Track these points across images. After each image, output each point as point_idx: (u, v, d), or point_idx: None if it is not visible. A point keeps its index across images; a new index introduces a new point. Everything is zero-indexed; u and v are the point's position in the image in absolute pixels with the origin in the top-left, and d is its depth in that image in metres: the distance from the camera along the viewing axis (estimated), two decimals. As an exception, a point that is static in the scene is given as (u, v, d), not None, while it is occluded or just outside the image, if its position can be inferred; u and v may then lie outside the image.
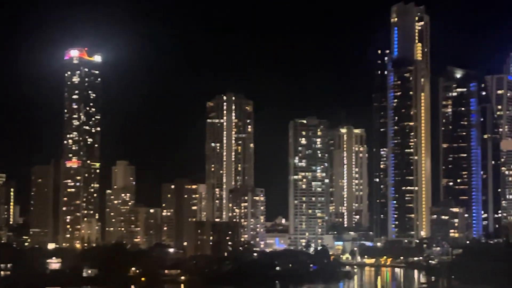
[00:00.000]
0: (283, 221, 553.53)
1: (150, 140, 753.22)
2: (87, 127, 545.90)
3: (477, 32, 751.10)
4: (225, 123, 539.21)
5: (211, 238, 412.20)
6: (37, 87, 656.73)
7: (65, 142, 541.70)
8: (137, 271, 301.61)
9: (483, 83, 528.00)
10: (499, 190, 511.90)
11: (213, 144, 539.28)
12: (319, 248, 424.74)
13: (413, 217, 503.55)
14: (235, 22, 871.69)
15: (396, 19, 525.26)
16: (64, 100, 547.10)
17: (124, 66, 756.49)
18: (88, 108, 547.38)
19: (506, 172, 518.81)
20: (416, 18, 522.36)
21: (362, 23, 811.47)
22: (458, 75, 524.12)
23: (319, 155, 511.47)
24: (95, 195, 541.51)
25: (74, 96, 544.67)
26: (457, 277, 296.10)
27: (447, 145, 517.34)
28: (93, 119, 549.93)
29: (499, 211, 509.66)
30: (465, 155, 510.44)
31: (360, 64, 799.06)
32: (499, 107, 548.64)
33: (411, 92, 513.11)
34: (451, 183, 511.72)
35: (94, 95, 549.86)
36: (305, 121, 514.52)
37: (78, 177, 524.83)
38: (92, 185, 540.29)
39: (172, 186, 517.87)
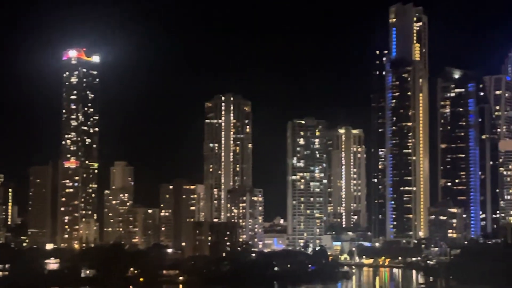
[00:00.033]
0: (281, 221, 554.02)
1: (149, 141, 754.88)
2: (85, 128, 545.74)
3: (475, 32, 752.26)
4: (223, 124, 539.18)
5: (209, 238, 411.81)
6: (35, 88, 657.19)
7: (63, 142, 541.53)
8: (135, 271, 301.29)
9: (481, 84, 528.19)
10: (497, 190, 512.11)
11: (211, 145, 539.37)
12: (317, 248, 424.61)
13: (411, 218, 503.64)
14: (233, 23, 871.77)
15: (394, 19, 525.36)
16: (62, 100, 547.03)
17: (122, 67, 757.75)
18: (86, 109, 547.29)
19: (504, 173, 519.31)
20: (414, 18, 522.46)
21: (360, 24, 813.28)
22: (456, 75, 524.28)
23: (317, 155, 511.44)
24: (93, 195, 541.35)
25: (72, 97, 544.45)
26: (455, 278, 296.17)
27: (445, 145, 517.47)
28: (91, 119, 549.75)
29: (497, 212, 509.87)
30: (463, 155, 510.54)
31: (358, 65, 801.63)
32: (497, 107, 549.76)
33: (409, 93, 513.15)
34: (449, 184, 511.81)
35: (92, 95, 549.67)
36: (303, 122, 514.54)
37: (76, 178, 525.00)
38: (90, 185, 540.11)
39: (170, 187, 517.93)
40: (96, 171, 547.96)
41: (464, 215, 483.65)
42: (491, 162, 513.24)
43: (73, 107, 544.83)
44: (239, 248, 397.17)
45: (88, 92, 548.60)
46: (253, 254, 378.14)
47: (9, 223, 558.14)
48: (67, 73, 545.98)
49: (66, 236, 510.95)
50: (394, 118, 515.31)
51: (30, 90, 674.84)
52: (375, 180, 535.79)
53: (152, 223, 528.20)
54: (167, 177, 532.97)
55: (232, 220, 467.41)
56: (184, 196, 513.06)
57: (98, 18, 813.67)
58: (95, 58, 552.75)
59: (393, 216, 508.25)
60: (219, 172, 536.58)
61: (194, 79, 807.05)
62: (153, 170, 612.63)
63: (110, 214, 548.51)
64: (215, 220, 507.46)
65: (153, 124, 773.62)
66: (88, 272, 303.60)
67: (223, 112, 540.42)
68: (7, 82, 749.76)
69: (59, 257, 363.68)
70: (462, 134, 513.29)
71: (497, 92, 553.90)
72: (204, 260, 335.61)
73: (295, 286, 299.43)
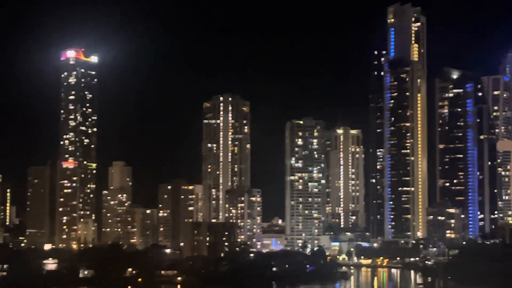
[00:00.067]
0: (280, 221, 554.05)
1: (147, 141, 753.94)
2: (83, 128, 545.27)
3: (474, 33, 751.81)
4: (221, 124, 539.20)
5: (207, 238, 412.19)
6: (33, 88, 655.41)
7: (62, 142, 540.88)
8: (134, 271, 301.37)
9: (479, 84, 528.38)
10: (496, 190, 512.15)
11: (209, 145, 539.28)
12: (315, 248, 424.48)
13: (410, 218, 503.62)
14: (231, 23, 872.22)
15: (392, 20, 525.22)
16: (60, 100, 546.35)
17: (120, 67, 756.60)
18: (84, 109, 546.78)
19: (503, 173, 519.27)
20: (413, 19, 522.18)
21: (358, 24, 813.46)
22: (455, 76, 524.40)
23: (316, 155, 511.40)
24: (91, 195, 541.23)
25: (71, 97, 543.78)
26: (453, 278, 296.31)
27: (444, 145, 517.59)
28: (89, 119, 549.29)
29: (496, 212, 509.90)
30: (461, 155, 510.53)
31: (357, 65, 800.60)
32: (496, 107, 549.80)
33: (407, 93, 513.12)
34: (447, 184, 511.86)
35: (90, 95, 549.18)
36: (301, 122, 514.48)
37: (75, 178, 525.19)
38: (88, 185, 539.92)
39: (169, 187, 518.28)
40: (94, 171, 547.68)
41: (462, 216, 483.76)
42: (489, 163, 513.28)
43: (71, 107, 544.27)
44: (237, 249, 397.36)
45: (86, 92, 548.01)
46: (252, 255, 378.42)
47: (7, 223, 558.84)
48: (65, 73, 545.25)
49: (64, 236, 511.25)
50: (393, 119, 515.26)
51: (28, 90, 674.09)
52: (373, 181, 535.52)
53: (150, 223, 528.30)
54: (165, 177, 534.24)
55: (231, 221, 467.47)
56: (182, 196, 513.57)
57: (97, 18, 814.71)
58: (94, 59, 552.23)
59: (391, 216, 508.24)
60: (218, 172, 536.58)
61: (192, 79, 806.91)
62: (151, 170, 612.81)
63: (108, 214, 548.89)
64: (214, 220, 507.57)
65: (152, 124, 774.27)
66: (86, 272, 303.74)
67: (221, 112, 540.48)
68: (5, 82, 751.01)
69: (57, 258, 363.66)
70: (460, 134, 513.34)
71: (495, 93, 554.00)
72: (203, 261, 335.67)
73: (294, 286, 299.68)
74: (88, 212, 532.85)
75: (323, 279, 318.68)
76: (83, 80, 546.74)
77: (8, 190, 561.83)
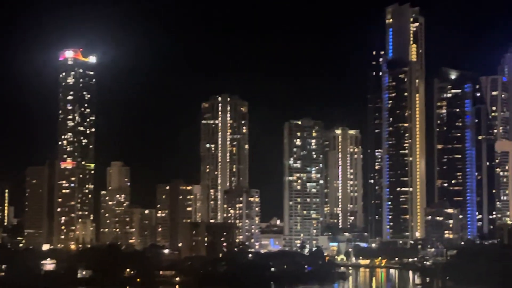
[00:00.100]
0: (278, 222, 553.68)
1: (145, 141, 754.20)
2: (81, 128, 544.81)
3: (472, 33, 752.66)
4: (220, 124, 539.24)
5: (206, 239, 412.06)
6: (31, 88, 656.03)
7: (60, 143, 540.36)
8: (132, 272, 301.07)
9: (477, 84, 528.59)
10: (494, 191, 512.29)
11: (208, 145, 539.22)
12: (314, 249, 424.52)
13: (408, 218, 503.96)
14: (229, 23, 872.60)
15: (391, 20, 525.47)
16: (58, 101, 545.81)
17: (119, 67, 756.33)
18: (82, 109, 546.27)
19: (501, 173, 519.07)
20: (411, 19, 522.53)
21: (356, 24, 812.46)
22: (453, 76, 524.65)
23: (314, 156, 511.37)
24: (89, 196, 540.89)
25: (69, 97, 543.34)
26: (451, 278, 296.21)
27: (442, 146, 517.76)
28: (87, 120, 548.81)
29: (494, 212, 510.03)
30: (459, 156, 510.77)
31: (355, 65, 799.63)
32: (494, 108, 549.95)
33: (405, 93, 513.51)
34: (445, 184, 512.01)
35: (88, 96, 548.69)
36: (300, 122, 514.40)
37: (73, 178, 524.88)
38: (86, 186, 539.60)
39: (167, 187, 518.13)
40: (92, 171, 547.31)
41: (461, 216, 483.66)
42: (488, 163, 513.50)
43: (70, 107, 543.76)
44: (235, 249, 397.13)
45: (84, 93, 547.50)
46: (250, 255, 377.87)
47: (5, 223, 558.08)
48: (64, 73, 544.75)
49: (63, 236, 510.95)
50: (391, 119, 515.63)
51: (27, 91, 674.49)
52: (372, 181, 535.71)
53: (149, 224, 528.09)
54: (163, 178, 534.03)
55: (229, 221, 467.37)
56: (180, 197, 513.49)
57: (95, 18, 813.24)
58: (92, 59, 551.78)
59: (390, 216, 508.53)
60: (216, 172, 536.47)
61: (190, 80, 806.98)
62: (149, 171, 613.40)
63: (107, 214, 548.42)
64: (212, 220, 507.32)
65: (150, 124, 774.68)
66: (84, 273, 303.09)
67: (219, 113, 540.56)
68: (3, 82, 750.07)
69: (56, 258, 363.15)
70: (459, 134, 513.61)
71: (494, 93, 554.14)
72: (201, 261, 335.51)
73: (292, 286, 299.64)
74: (86, 213, 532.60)
75: (322, 280, 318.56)
76: (81, 80, 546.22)
77: (6, 191, 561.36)
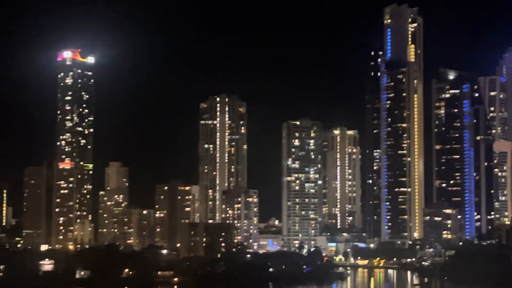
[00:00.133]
0: (276, 222, 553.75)
1: (143, 141, 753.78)
2: (80, 129, 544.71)
3: (470, 33, 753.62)
4: (218, 125, 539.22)
5: (204, 239, 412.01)
6: (30, 88, 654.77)
7: (58, 143, 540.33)
8: (130, 272, 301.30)
9: (476, 85, 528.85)
10: (492, 191, 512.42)
11: (206, 146, 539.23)
12: (312, 249, 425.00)
13: (406, 219, 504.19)
14: (228, 24, 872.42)
15: (389, 20, 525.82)
16: (57, 101, 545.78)
17: (117, 68, 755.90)
18: (81, 110, 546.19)
19: (499, 174, 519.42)
20: (409, 19, 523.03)
21: (355, 25, 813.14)
22: (451, 76, 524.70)
23: (312, 156, 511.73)
24: (88, 196, 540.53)
25: (67, 98, 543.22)
26: (450, 279, 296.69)
27: (440, 146, 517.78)
28: (86, 120, 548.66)
29: (492, 213, 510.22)
30: (458, 156, 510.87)
31: (353, 66, 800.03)
32: (492, 108, 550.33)
33: (404, 94, 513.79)
34: (444, 185, 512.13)
35: (87, 96, 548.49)
36: (298, 123, 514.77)
37: (71, 179, 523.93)
38: (85, 186, 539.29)
39: (165, 188, 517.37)
40: (90, 172, 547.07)
41: (459, 216, 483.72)
42: (486, 163, 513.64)
43: (68, 108, 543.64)
44: (234, 249, 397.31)
45: (83, 93, 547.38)
46: (248, 255, 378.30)
47: (3, 224, 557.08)
48: (62, 74, 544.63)
49: (61, 237, 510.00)
50: (389, 119, 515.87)
51: (25, 91, 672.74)
52: (370, 181, 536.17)
53: (147, 224, 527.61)
54: (162, 178, 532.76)
55: (227, 221, 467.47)
56: (179, 197, 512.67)
57: (93, 19, 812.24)
58: (90, 59, 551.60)
59: (388, 217, 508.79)
60: (214, 173, 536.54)
61: (189, 80, 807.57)
62: (148, 171, 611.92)
63: (105, 215, 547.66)
64: (210, 221, 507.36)
65: (148, 125, 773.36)
66: (82, 273, 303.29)
67: (218, 113, 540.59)
68: (1, 82, 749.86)
69: (54, 258, 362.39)
70: (457, 135, 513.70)
71: (492, 93, 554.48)
72: (199, 261, 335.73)
73: (290, 287, 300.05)
74: (84, 213, 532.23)
75: (320, 280, 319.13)
76: (79, 80, 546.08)
77: (5, 191, 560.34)
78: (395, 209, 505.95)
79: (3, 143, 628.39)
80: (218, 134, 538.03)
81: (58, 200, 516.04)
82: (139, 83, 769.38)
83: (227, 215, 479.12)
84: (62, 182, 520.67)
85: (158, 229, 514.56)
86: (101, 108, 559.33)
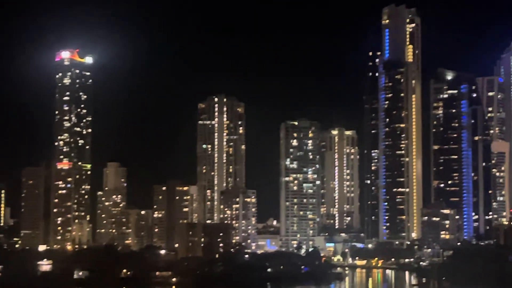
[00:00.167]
0: (275, 222, 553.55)
1: (142, 142, 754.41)
2: (78, 129, 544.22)
3: (468, 34, 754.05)
4: (216, 125, 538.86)
5: (202, 239, 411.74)
6: (28, 89, 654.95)
7: (56, 143, 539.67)
8: (128, 273, 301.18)
9: (474, 85, 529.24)
10: (490, 191, 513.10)
11: (204, 146, 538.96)
12: (310, 249, 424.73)
13: (404, 219, 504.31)
14: (226, 25, 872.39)
15: (387, 21, 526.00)
16: (55, 101, 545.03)
17: (115, 68, 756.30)
18: (79, 110, 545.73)
19: (497, 174, 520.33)
20: (407, 20, 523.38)
21: (353, 25, 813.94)
22: (449, 77, 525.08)
23: (310, 156, 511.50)
24: (86, 196, 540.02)
25: (65, 98, 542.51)
26: (448, 279, 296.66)
27: (438, 146, 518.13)
28: (84, 120, 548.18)
29: (490, 213, 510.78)
30: (456, 156, 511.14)
31: (351, 66, 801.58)
32: (490, 109, 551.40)
33: (402, 94, 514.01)
34: (442, 185, 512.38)
35: (85, 96, 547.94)
36: (296, 123, 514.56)
37: (69, 179, 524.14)
38: (83, 186, 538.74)
39: (164, 188, 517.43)
40: (89, 172, 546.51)
41: (457, 217, 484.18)
42: (484, 164, 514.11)
43: (66, 108, 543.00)
44: (232, 250, 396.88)
45: (81, 93, 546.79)
46: (246, 256, 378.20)
47: (1, 224, 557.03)
48: (60, 74, 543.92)
49: (59, 237, 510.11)
50: (387, 120, 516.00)
51: (23, 91, 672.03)
52: (368, 181, 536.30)
53: (145, 225, 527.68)
54: (160, 178, 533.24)
55: (225, 222, 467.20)
56: (177, 197, 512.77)
57: (92, 19, 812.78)
58: (88, 59, 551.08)
59: (386, 217, 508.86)
60: (212, 173, 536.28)
61: (187, 80, 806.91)
62: (146, 171, 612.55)
63: (103, 215, 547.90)
64: (208, 221, 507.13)
65: (146, 125, 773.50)
66: (81, 273, 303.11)
67: (216, 113, 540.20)
68: (0, 83, 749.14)
69: (52, 259, 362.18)
70: (455, 135, 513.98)
71: (490, 94, 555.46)
72: (197, 262, 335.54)
73: (288, 287, 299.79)
74: (82, 213, 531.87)
75: (318, 280, 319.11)
76: (77, 81, 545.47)
77: (3, 191, 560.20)
78: (393, 209, 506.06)
79: (1, 143, 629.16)
80: (216, 134, 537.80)
81: (56, 200, 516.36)
82: (137, 83, 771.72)
83: (225, 215, 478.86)
84: (60, 182, 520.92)
85: (156, 230, 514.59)
86: (99, 108, 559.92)
